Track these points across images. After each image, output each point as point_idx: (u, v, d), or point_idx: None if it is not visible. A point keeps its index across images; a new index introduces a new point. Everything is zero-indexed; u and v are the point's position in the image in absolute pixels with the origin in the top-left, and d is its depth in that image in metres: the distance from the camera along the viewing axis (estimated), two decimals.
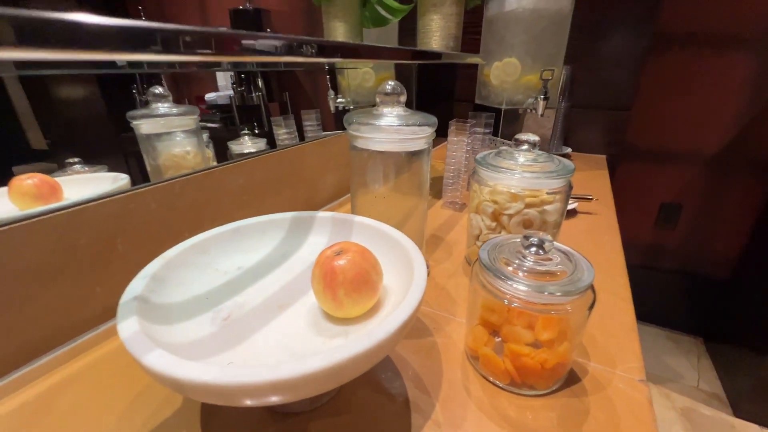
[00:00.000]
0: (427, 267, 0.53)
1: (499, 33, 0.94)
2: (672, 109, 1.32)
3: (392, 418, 0.30)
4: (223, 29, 0.27)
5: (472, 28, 1.08)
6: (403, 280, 0.29)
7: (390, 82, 0.42)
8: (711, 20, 1.20)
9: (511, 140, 0.95)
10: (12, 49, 0.13)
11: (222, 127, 0.83)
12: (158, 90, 0.58)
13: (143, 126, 0.57)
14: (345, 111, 1.02)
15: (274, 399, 0.19)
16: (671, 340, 1.52)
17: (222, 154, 0.70)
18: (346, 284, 0.26)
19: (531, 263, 0.31)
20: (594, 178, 0.94)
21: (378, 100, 0.43)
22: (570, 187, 0.48)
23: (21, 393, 0.32)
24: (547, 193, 0.45)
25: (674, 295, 1.54)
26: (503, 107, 0.95)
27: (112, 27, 0.15)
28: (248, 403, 0.19)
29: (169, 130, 0.61)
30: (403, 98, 0.43)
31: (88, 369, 0.34)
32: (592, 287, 0.31)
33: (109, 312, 0.39)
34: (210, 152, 0.70)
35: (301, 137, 0.85)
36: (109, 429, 0.29)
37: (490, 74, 1.00)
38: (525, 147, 0.47)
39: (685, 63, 1.26)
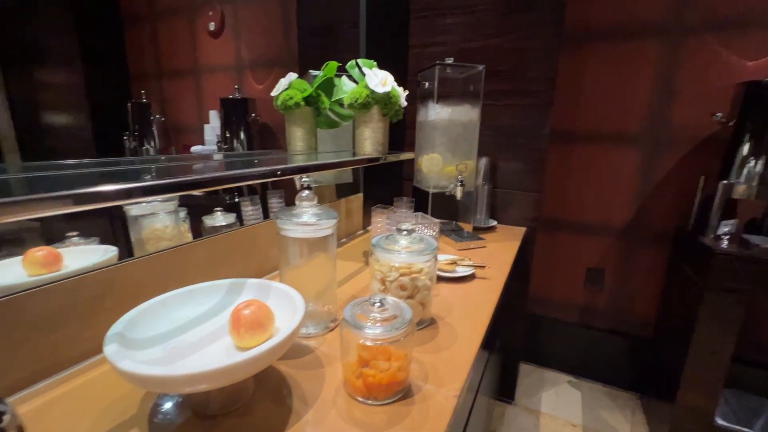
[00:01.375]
0: (336, 319, 0.70)
1: (425, 133, 1.21)
2: (583, 188, 1.59)
3: (279, 418, 0.46)
4: (191, 178, 0.48)
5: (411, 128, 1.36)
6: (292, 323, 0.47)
7: (306, 191, 0.63)
8: (602, 122, 1.52)
9: (446, 218, 1.17)
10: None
11: (205, 195, 0.98)
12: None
13: (133, 209, 0.76)
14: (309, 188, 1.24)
15: (195, 388, 0.36)
16: (609, 396, 1.64)
17: (197, 227, 0.87)
18: (246, 326, 0.43)
19: (375, 314, 0.49)
20: (504, 249, 1.15)
21: (297, 201, 0.63)
22: (435, 260, 0.68)
23: (27, 404, 0.47)
24: (418, 266, 0.64)
25: (610, 353, 1.69)
26: (431, 191, 1.19)
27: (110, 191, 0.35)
28: (185, 390, 0.36)
29: (154, 212, 0.80)
30: (315, 200, 0.64)
31: (76, 389, 0.49)
32: (412, 324, 0.49)
33: (95, 350, 0.55)
34: (185, 225, 0.88)
35: (266, 214, 1.05)
36: (87, 427, 0.44)
37: (421, 163, 1.26)
38: (405, 233, 0.67)
39: (586, 154, 1.56)
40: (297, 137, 1.03)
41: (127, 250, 0.67)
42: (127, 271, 0.59)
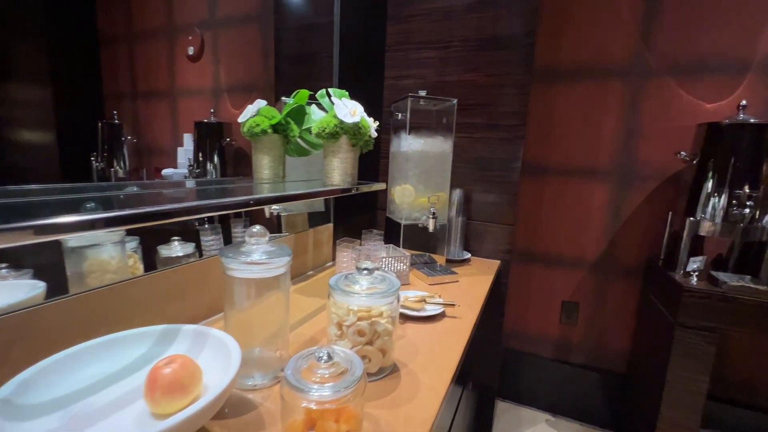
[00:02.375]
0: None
1: (398, 164, 1.18)
2: (556, 221, 1.60)
3: None
4: (150, 210, 0.43)
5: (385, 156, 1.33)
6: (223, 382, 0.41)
7: (256, 226, 0.59)
8: (573, 157, 1.55)
9: (419, 250, 1.13)
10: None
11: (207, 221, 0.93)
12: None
13: (71, 240, 0.69)
14: (279, 216, 1.19)
15: None
16: None
17: (151, 258, 0.78)
18: (163, 388, 0.37)
19: (322, 371, 0.44)
20: (477, 283, 1.12)
21: (246, 237, 0.58)
22: (398, 301, 0.63)
23: None
24: (378, 309, 0.60)
25: (586, 389, 1.65)
26: (402, 222, 1.16)
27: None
28: None
29: (97, 242, 0.73)
30: (266, 238, 0.59)
31: None
32: (364, 380, 0.44)
33: None
34: (136, 256, 0.81)
35: (229, 243, 0.98)
36: None
37: (394, 194, 1.23)
38: (365, 272, 0.63)
39: (557, 187, 1.58)
40: (263, 165, 0.99)
41: (59, 286, 0.60)
42: (49, 312, 0.52)
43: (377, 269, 0.65)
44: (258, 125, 0.96)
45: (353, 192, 0.98)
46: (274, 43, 1.15)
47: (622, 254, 1.53)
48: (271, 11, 1.09)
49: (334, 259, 1.26)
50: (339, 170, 0.95)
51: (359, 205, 1.43)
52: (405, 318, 0.84)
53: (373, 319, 0.59)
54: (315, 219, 1.23)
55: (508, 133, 1.33)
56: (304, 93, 0.98)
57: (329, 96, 0.94)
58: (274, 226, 1.13)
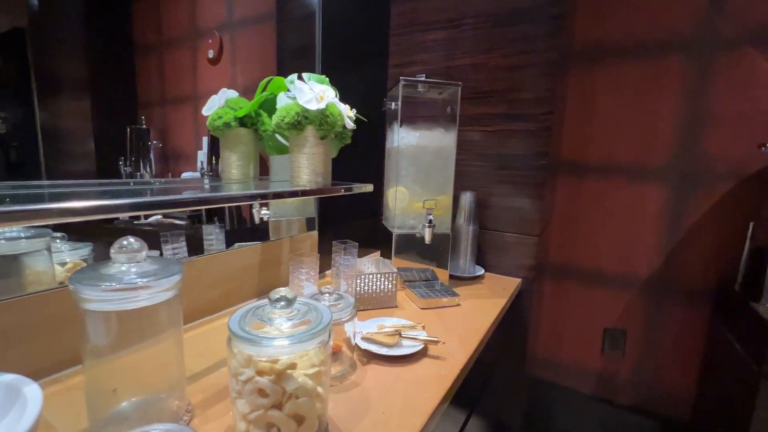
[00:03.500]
0: (190, 410, 0.48)
1: (392, 162, 1.00)
2: (598, 230, 1.32)
3: None
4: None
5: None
6: None
7: (129, 239, 0.44)
8: (619, 152, 1.26)
9: (422, 264, 0.94)
10: None
11: (189, 224, 0.87)
12: None
13: None
14: (265, 222, 1.06)
15: None
16: None
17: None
18: None
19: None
20: (483, 310, 0.90)
21: (112, 252, 0.44)
22: (328, 341, 0.45)
23: None
24: (290, 358, 0.42)
25: None
26: (394, 231, 0.97)
27: None
28: None
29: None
30: (143, 252, 0.44)
31: None
32: None
33: None
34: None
35: (198, 250, 0.85)
36: None
37: (388, 198, 1.05)
38: (282, 304, 0.46)
39: (600, 189, 1.30)
40: (230, 163, 0.86)
41: None
42: None
43: (297, 298, 0.47)
44: (220, 118, 0.83)
45: (323, 194, 0.82)
46: (275, 37, 1.03)
47: (684, 273, 1.22)
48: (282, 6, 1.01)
49: (321, 271, 1.10)
50: (306, 168, 0.79)
51: (355, 211, 1.27)
52: (370, 356, 0.65)
53: (285, 371, 0.42)
54: (312, 226, 1.08)
55: (531, 123, 1.10)
56: (279, 81, 0.83)
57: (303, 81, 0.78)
58: (258, 234, 1.00)
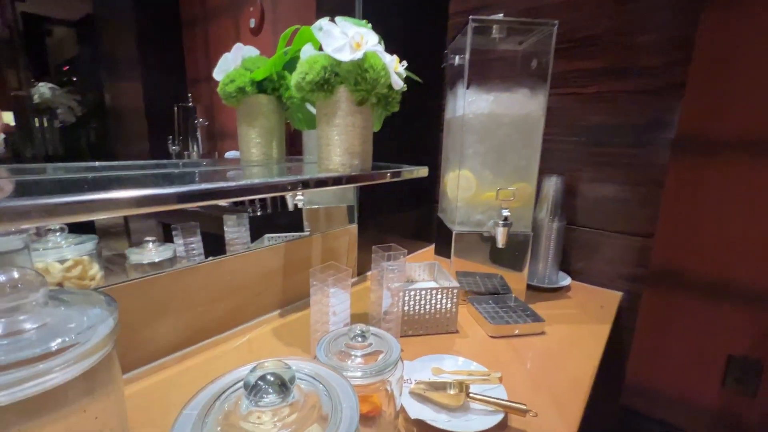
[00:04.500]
0: None
1: (453, 138, 0.76)
2: (730, 229, 0.98)
3: None
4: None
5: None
6: None
7: (13, 272, 0.25)
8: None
9: (487, 270, 0.71)
10: None
11: (232, 206, 0.80)
12: None
13: None
14: (299, 210, 0.89)
15: None
16: None
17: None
18: None
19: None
20: (581, 339, 0.64)
21: None
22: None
23: None
24: None
25: None
26: (454, 230, 0.74)
27: None
28: None
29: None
30: (39, 292, 0.26)
31: None
32: None
33: None
34: (94, 265, 0.58)
35: (218, 249, 0.70)
36: None
37: (446, 185, 0.81)
38: (269, 397, 0.25)
39: (738, 174, 0.95)
40: (248, 141, 0.68)
41: None
42: None
43: (293, 379, 0.27)
44: (232, 81, 0.65)
45: (361, 183, 0.61)
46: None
47: None
48: None
49: (360, 273, 0.90)
50: (337, 146, 0.58)
51: (403, 199, 1.04)
52: (421, 428, 0.44)
53: None
54: (352, 217, 0.89)
55: (651, 79, 0.78)
56: (307, 31, 0.63)
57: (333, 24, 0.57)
58: (293, 224, 0.84)
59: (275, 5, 0.78)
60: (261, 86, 0.64)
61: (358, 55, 0.51)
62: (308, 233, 0.82)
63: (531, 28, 0.70)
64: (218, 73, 0.66)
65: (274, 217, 0.89)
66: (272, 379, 0.25)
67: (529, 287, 0.85)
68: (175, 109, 0.70)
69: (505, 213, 0.68)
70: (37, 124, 0.56)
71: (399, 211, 1.03)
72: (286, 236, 0.80)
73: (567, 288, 0.87)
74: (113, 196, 0.27)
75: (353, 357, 0.39)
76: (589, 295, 0.85)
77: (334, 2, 0.85)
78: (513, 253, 0.76)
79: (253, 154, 0.67)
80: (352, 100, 0.55)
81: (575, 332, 0.68)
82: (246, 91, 0.63)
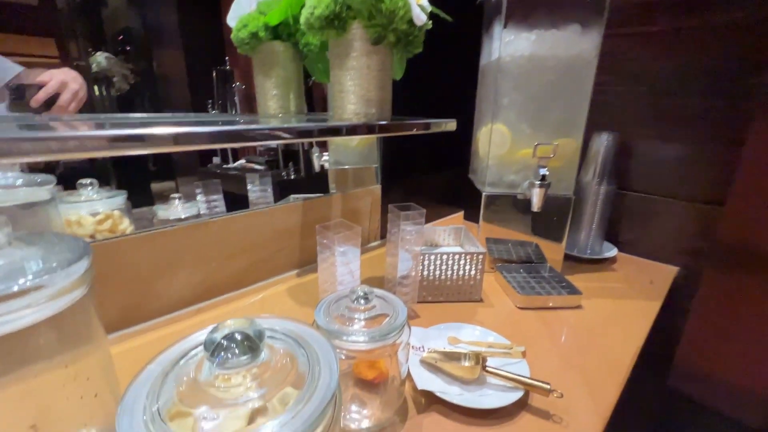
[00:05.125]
0: None
1: (486, 88, 0.68)
2: None
3: None
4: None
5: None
6: None
7: None
8: None
9: (524, 236, 0.65)
10: None
11: (266, 170, 0.82)
12: None
13: None
14: (323, 172, 0.86)
15: None
16: None
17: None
18: None
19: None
20: (622, 318, 0.57)
21: None
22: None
23: None
24: None
25: None
26: (484, 191, 0.67)
27: None
28: None
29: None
30: (4, 233, 0.24)
31: None
32: None
33: None
34: (123, 217, 0.60)
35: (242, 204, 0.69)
36: None
37: (479, 140, 0.74)
38: (240, 357, 0.22)
39: None
40: (265, 92, 0.65)
41: None
42: None
43: (262, 344, 0.23)
44: (245, 27, 0.61)
45: (380, 134, 0.56)
46: None
47: None
48: None
49: (383, 236, 0.87)
50: (351, 92, 0.53)
51: (432, 159, 0.97)
52: (431, 399, 0.40)
53: None
54: (377, 178, 0.85)
55: (733, 12, 0.64)
56: None
57: None
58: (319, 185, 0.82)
59: None
60: (276, 32, 0.59)
61: None
62: (306, 196, 0.79)
63: None
64: (231, 19, 0.61)
65: (301, 179, 0.86)
66: (239, 337, 0.22)
67: (569, 257, 0.77)
68: (214, 73, 0.70)
69: (543, 172, 0.60)
70: (96, 93, 0.57)
71: (428, 172, 0.97)
72: (310, 197, 0.77)
73: (612, 260, 0.78)
74: (154, 132, 0.27)
75: (356, 320, 0.36)
76: (638, 269, 0.75)
77: None
78: (551, 219, 0.68)
79: (270, 107, 0.64)
80: (367, 38, 0.49)
81: (618, 308, 0.60)
82: (259, 36, 0.59)
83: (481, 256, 0.58)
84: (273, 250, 0.65)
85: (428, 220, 0.99)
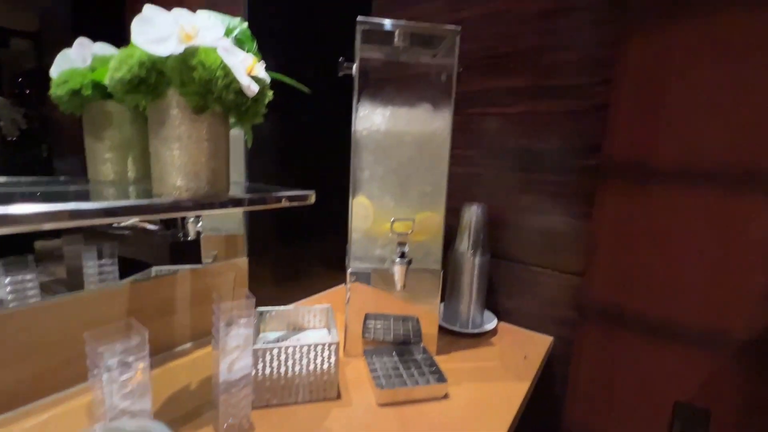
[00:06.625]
0: None
1: (356, 159, 0.65)
2: (672, 263, 0.90)
3: None
4: None
5: None
6: None
7: None
8: (706, 150, 0.84)
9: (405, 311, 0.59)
10: None
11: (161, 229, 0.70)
12: None
13: None
14: (188, 240, 0.75)
15: None
16: None
17: None
18: None
19: None
20: (486, 406, 0.52)
21: None
22: None
23: None
24: None
25: None
26: (349, 267, 0.61)
27: None
28: None
29: None
30: None
31: None
32: None
33: None
34: None
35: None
36: None
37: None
38: None
39: (674, 205, 0.88)
40: (96, 156, 0.55)
41: None
42: None
43: None
44: (65, 82, 0.52)
45: (205, 210, 0.49)
46: None
47: None
48: None
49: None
50: (170, 164, 0.46)
51: (321, 225, 0.91)
52: None
53: None
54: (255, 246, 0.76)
55: (576, 100, 0.71)
56: None
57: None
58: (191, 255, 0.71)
59: None
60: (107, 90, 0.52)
61: (179, 48, 0.40)
62: (202, 265, 0.69)
63: (431, 36, 0.61)
64: (54, 72, 0.53)
65: (174, 244, 0.75)
66: None
67: (449, 332, 0.73)
68: None
69: (402, 249, 0.57)
70: None
71: (312, 238, 0.91)
72: (177, 268, 0.65)
73: (493, 332, 0.76)
74: None
75: None
76: (516, 341, 0.74)
77: None
78: (423, 294, 0.65)
79: (102, 172, 0.54)
80: (183, 103, 0.43)
81: (486, 393, 0.56)
82: (84, 95, 0.50)
83: (334, 347, 0.51)
84: (69, 355, 0.51)
85: (312, 293, 0.91)
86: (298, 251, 0.87)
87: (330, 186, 0.77)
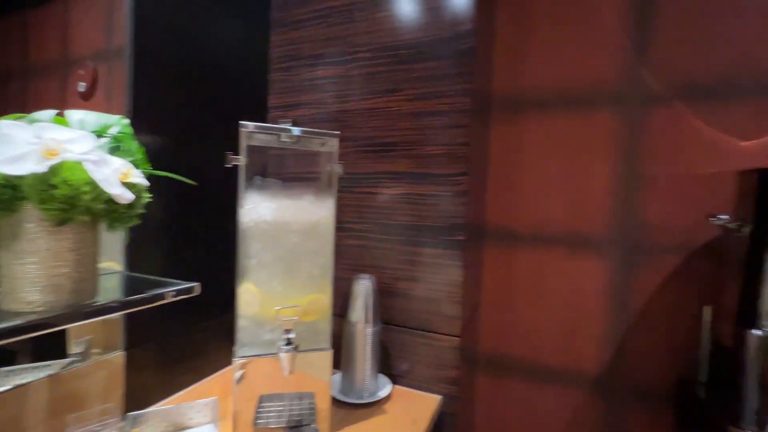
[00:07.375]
0: None
1: (243, 247, 0.67)
2: (536, 312, 1.07)
3: None
4: None
5: None
6: None
7: None
8: (552, 219, 1.05)
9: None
10: None
11: None
12: None
13: None
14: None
15: None
16: None
17: None
18: None
19: None
20: None
21: None
22: None
23: None
24: None
25: None
26: (236, 354, 0.61)
27: None
28: None
29: None
30: None
31: None
32: None
33: None
34: None
35: None
36: None
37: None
38: None
39: (538, 261, 1.07)
40: None
41: None
42: None
43: None
44: None
45: (65, 325, 0.46)
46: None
47: (637, 368, 0.99)
48: None
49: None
50: (23, 279, 0.43)
51: (209, 305, 0.89)
52: None
53: None
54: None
55: (443, 186, 0.84)
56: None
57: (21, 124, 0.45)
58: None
59: (111, 71, 0.71)
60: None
61: (40, 167, 0.40)
62: (64, 369, 0.61)
63: (308, 137, 0.68)
64: None
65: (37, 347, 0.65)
66: None
67: (344, 405, 0.75)
68: None
69: (288, 336, 0.60)
70: None
71: (203, 318, 0.87)
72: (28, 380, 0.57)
73: (387, 398, 0.81)
74: None
75: None
76: (406, 406, 0.79)
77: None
78: (317, 374, 0.67)
79: None
80: (39, 215, 0.42)
81: None
82: None
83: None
84: None
85: (208, 374, 0.86)
86: (188, 331, 0.83)
87: (222, 267, 0.77)
